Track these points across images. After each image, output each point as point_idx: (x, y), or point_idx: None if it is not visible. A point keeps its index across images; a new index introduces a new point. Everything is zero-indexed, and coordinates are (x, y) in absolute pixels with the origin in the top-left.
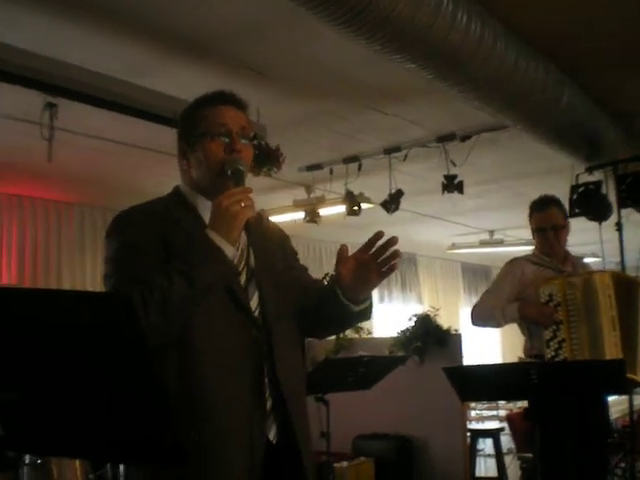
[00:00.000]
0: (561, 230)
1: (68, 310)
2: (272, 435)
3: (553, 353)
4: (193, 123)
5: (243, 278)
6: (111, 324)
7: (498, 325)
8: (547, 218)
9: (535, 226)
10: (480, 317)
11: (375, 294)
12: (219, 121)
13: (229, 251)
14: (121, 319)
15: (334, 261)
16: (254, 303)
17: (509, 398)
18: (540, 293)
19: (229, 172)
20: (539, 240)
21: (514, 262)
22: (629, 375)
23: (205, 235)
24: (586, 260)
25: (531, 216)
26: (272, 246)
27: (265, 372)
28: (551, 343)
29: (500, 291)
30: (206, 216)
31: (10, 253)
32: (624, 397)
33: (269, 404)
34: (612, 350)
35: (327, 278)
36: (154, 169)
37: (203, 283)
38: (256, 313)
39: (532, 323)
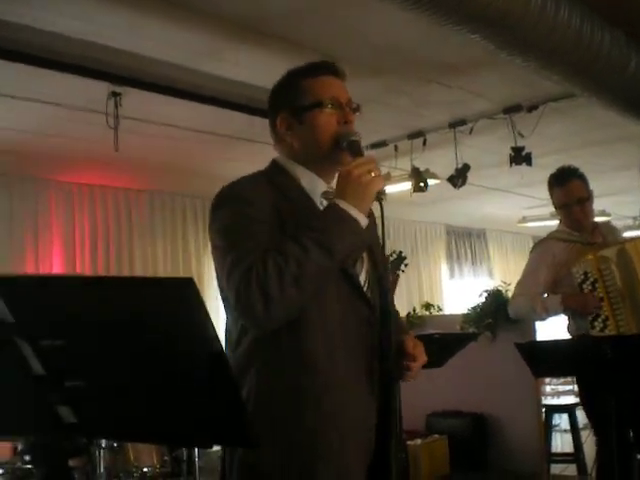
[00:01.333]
0: (586, 202)
1: (130, 297)
2: (375, 416)
3: (599, 333)
4: (299, 93)
5: None
6: (173, 308)
7: (540, 318)
8: (570, 192)
9: (558, 202)
10: (520, 312)
11: (445, 270)
12: (329, 93)
13: (363, 222)
14: (183, 303)
15: (401, 238)
16: (362, 279)
17: (583, 374)
18: (574, 274)
19: (344, 144)
20: (565, 216)
21: (542, 245)
22: None
23: (336, 205)
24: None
25: (552, 192)
26: (372, 224)
27: (376, 354)
28: (595, 323)
29: (536, 279)
30: (309, 187)
31: (83, 242)
32: None
33: (377, 385)
34: None
35: (393, 256)
36: (220, 154)
37: (340, 254)
38: (365, 290)
39: (577, 314)
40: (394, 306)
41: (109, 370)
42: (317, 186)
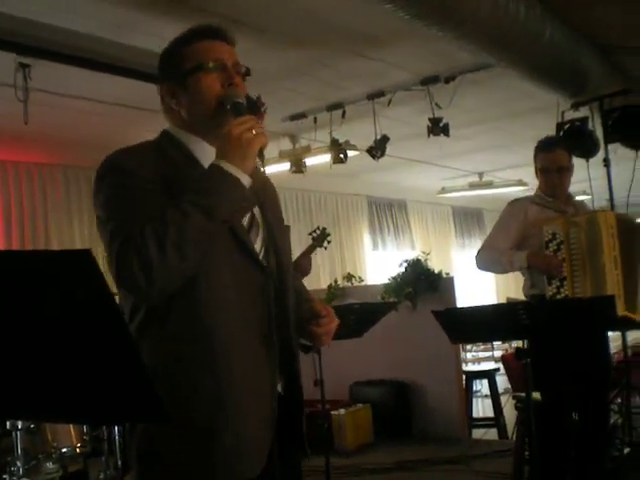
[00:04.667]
0: (566, 172)
1: (26, 271)
2: (280, 387)
3: (555, 291)
4: (182, 59)
5: (245, 220)
6: (71, 281)
7: (504, 271)
8: (553, 159)
9: (540, 166)
10: (486, 262)
11: (368, 241)
12: (213, 55)
13: (246, 181)
14: (81, 275)
15: (322, 211)
16: (257, 247)
17: (499, 339)
18: (544, 231)
19: (228, 106)
20: (543, 180)
21: (516, 203)
22: (627, 313)
23: (216, 165)
24: (578, 198)
25: (536, 155)
26: (270, 192)
27: (274, 322)
28: (553, 281)
29: (506, 233)
30: (200, 155)
31: None
32: (618, 333)
33: (277, 355)
34: (614, 288)
35: (317, 232)
36: (136, 127)
37: (222, 215)
38: (260, 257)
39: (540, 273)
40: (295, 275)
41: (9, 348)
42: (208, 154)
